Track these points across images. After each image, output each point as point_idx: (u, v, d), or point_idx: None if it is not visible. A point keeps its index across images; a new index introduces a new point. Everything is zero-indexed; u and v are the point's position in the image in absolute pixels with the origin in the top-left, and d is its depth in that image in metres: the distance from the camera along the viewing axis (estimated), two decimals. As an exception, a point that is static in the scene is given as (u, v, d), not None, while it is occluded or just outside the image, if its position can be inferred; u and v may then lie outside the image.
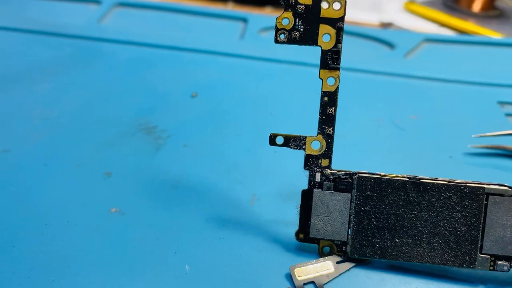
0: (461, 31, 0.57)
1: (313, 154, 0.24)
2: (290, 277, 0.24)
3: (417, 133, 0.36)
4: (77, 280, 0.24)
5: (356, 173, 0.24)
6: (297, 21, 0.24)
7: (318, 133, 0.24)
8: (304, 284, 0.24)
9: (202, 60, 0.44)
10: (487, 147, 0.34)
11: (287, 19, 0.24)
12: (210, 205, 0.28)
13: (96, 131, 0.34)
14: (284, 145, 0.25)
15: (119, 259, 0.25)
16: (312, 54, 0.46)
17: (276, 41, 0.24)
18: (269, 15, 0.54)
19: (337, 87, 0.24)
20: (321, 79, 0.24)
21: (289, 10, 0.24)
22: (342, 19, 0.24)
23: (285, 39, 0.24)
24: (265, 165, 0.32)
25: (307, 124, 0.36)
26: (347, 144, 0.34)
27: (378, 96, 0.41)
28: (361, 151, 0.34)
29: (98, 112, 0.36)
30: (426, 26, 0.58)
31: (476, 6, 0.62)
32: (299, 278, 0.25)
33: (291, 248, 0.26)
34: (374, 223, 0.24)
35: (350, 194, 0.24)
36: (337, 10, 0.24)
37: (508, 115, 0.39)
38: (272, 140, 0.25)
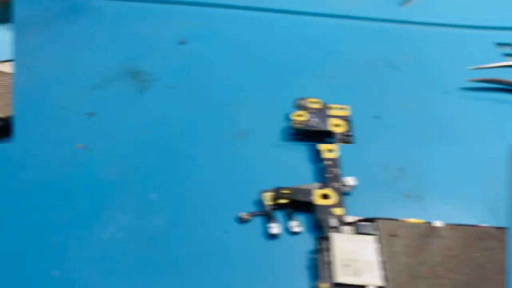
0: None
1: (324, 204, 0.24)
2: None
3: (411, 71, 0.35)
4: (41, 212, 0.24)
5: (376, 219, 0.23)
6: (311, 115, 0.29)
7: (326, 187, 0.25)
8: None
9: (191, 12, 0.43)
10: (483, 81, 0.33)
11: (301, 116, 0.29)
12: (194, 139, 0.28)
13: (81, 76, 0.33)
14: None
15: (85, 192, 0.25)
16: (302, 2, 0.45)
17: (293, 126, 0.28)
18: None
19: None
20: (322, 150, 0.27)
21: (304, 110, 0.29)
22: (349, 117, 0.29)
23: (302, 125, 0.28)
24: (255, 102, 0.31)
25: (296, 67, 0.35)
26: (339, 84, 0.33)
27: (372, 41, 0.39)
28: (353, 90, 0.33)
29: (84, 60, 0.35)
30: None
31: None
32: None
33: (271, 177, 0.26)
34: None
35: (373, 236, 0.22)
36: (343, 110, 0.30)
37: (506, 55, 0.38)
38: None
